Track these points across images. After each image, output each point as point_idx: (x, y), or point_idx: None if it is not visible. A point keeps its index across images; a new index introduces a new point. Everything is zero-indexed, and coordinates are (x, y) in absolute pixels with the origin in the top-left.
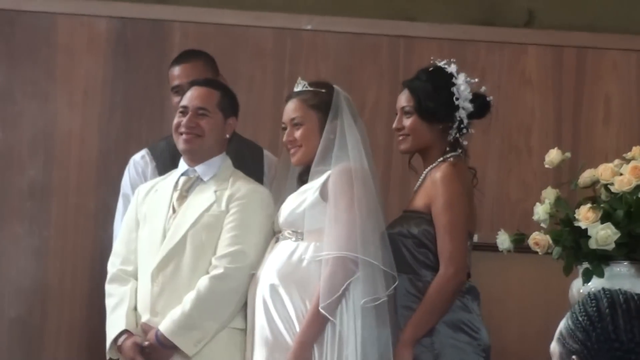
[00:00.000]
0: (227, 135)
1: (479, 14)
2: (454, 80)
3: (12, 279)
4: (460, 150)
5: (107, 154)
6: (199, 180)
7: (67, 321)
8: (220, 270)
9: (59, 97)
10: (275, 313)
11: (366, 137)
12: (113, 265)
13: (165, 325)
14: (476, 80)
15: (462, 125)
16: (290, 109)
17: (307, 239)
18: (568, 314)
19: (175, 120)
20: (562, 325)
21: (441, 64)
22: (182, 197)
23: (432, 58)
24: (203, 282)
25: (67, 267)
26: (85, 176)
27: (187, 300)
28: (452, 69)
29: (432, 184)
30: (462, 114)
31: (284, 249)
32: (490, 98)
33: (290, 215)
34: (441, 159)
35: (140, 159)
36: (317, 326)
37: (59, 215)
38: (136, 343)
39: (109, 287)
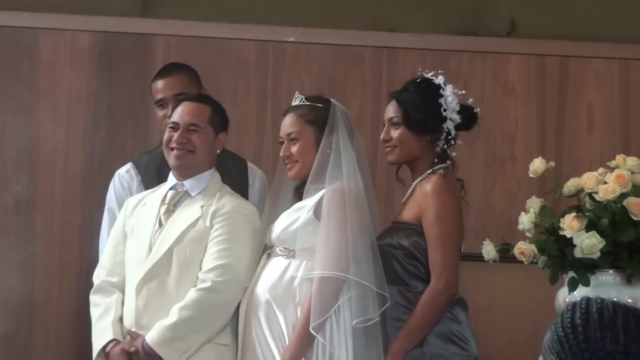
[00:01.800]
0: (218, 151)
1: (462, 24)
2: (441, 91)
3: None
4: (448, 162)
5: (92, 168)
6: (186, 194)
7: (54, 336)
8: (208, 284)
9: (42, 111)
10: (268, 330)
11: (363, 154)
12: (98, 277)
13: (151, 335)
14: (463, 92)
15: (449, 137)
16: (287, 123)
17: (298, 257)
18: (551, 325)
19: (166, 136)
20: (546, 336)
21: (429, 75)
22: (169, 212)
23: (419, 70)
24: (191, 294)
25: (54, 282)
26: (71, 190)
27: (174, 312)
28: (439, 80)
29: (423, 196)
30: (449, 125)
31: (276, 267)
32: (477, 109)
33: (283, 232)
34: (430, 170)
35: (125, 173)
36: (304, 343)
37: (45, 230)
38: (124, 349)
39: (93, 298)
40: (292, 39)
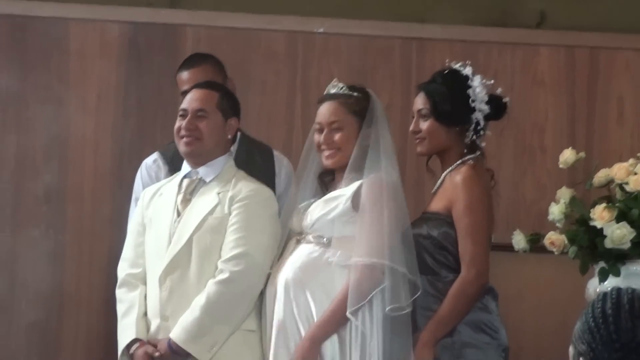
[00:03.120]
0: (229, 136)
1: (491, 16)
2: (469, 82)
3: (28, 284)
4: (478, 152)
5: (122, 159)
6: (201, 182)
7: (83, 325)
8: (226, 275)
9: (72, 102)
10: (298, 315)
11: (394, 145)
12: (122, 270)
13: (176, 333)
14: (492, 81)
15: (478, 127)
16: (330, 111)
17: (334, 247)
18: (581, 315)
19: (176, 124)
20: (576, 327)
21: (456, 66)
22: (186, 200)
23: (447, 61)
24: (211, 287)
25: (84, 272)
26: (100, 181)
27: (197, 306)
28: (467, 71)
29: (453, 187)
30: (478, 116)
31: (309, 253)
32: (506, 99)
33: (319, 221)
34: (460, 161)
35: (152, 163)
36: (331, 326)
37: (75, 219)
38: (147, 353)
39: (118, 293)
40: (321, 30)
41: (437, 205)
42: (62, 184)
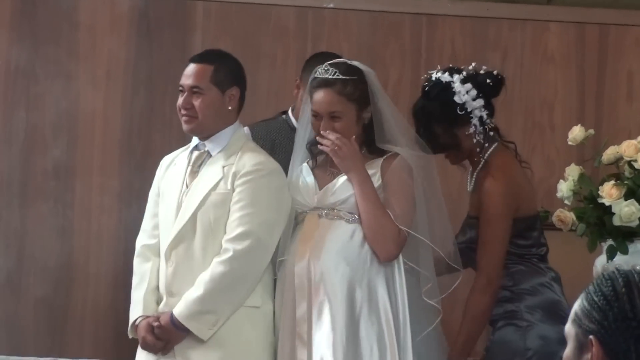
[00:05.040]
0: (230, 107)
1: None
2: (452, 88)
3: (37, 258)
4: (496, 143)
5: (131, 134)
6: (208, 155)
7: (92, 300)
8: (230, 254)
9: (81, 76)
10: (333, 295)
11: (396, 113)
12: (139, 242)
13: (179, 309)
14: (473, 65)
15: (483, 120)
16: (327, 101)
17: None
18: (582, 295)
19: (178, 101)
20: (577, 306)
21: (434, 75)
22: (194, 173)
23: (427, 73)
24: (215, 265)
25: (92, 247)
26: (109, 156)
27: (200, 284)
28: (445, 77)
29: (481, 194)
30: (475, 113)
31: (341, 231)
32: (495, 72)
33: (349, 199)
34: (483, 160)
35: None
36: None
37: (84, 194)
38: (149, 323)
39: (134, 263)
40: (331, 5)
41: (474, 210)
42: (71, 159)
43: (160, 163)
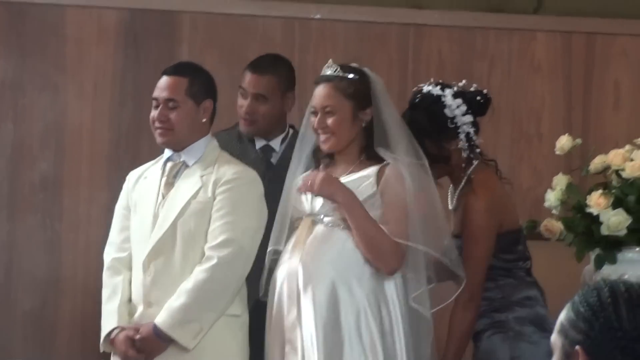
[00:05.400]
0: (204, 120)
1: (488, 1)
2: (443, 101)
3: (25, 271)
4: (475, 162)
5: (118, 146)
6: (184, 165)
7: (79, 313)
8: (214, 261)
9: (69, 89)
10: (340, 306)
11: (400, 122)
12: (108, 255)
13: (162, 318)
14: (464, 82)
15: (469, 136)
16: (323, 95)
17: None
18: (568, 305)
19: (151, 113)
20: (563, 316)
21: (425, 88)
22: (169, 184)
23: (418, 86)
24: (198, 273)
25: (80, 259)
26: (97, 168)
27: (183, 292)
28: (436, 90)
29: (464, 214)
30: (464, 129)
31: (335, 237)
32: (485, 91)
33: None
34: (465, 179)
35: None
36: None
37: (71, 207)
38: (128, 337)
39: (104, 277)
40: (318, 16)
41: (457, 228)
42: (59, 171)
43: (128, 177)
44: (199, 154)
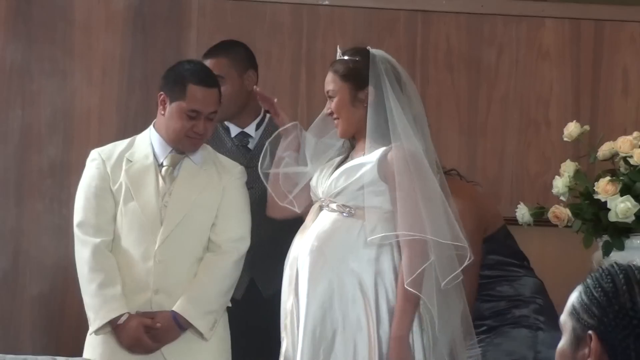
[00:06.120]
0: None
1: None
2: None
3: (33, 257)
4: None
5: (126, 131)
6: (185, 156)
7: None
8: (235, 256)
9: (77, 74)
10: (340, 294)
11: (421, 106)
12: (87, 236)
13: (183, 307)
14: None
15: None
16: (327, 81)
17: (357, 216)
18: (580, 288)
19: (187, 123)
20: (575, 299)
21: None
22: (170, 175)
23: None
24: (220, 265)
25: None
26: None
27: (205, 283)
28: None
29: None
30: None
31: (338, 225)
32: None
33: (345, 190)
34: None
35: None
36: (411, 315)
37: None
38: (143, 324)
39: (92, 258)
40: (326, 2)
41: None
42: (67, 157)
43: (97, 157)
44: (199, 149)
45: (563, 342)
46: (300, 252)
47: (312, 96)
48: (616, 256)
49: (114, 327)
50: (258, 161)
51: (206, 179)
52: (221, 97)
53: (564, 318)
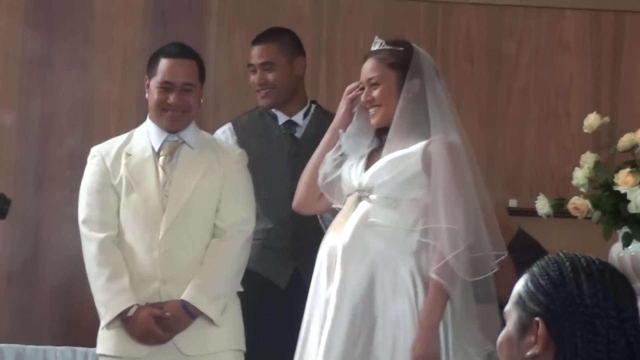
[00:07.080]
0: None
1: None
2: None
3: (52, 247)
4: None
5: None
6: (184, 144)
7: None
8: (241, 239)
9: (97, 65)
10: (387, 285)
11: (448, 101)
12: (93, 232)
13: (191, 294)
14: None
15: None
16: (368, 68)
17: (401, 209)
18: (526, 277)
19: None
20: (521, 288)
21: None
22: (169, 163)
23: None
24: (225, 250)
25: None
26: None
27: (211, 268)
28: None
29: None
30: None
31: (383, 217)
32: None
33: (388, 183)
34: None
35: (221, 134)
36: (440, 305)
37: None
38: (154, 315)
39: (98, 253)
40: None
41: None
42: (87, 147)
43: (96, 154)
44: (194, 133)
45: (508, 329)
46: (339, 242)
47: (332, 86)
48: (636, 247)
49: (124, 320)
50: (304, 150)
51: (206, 165)
52: (203, 71)
53: (509, 307)
